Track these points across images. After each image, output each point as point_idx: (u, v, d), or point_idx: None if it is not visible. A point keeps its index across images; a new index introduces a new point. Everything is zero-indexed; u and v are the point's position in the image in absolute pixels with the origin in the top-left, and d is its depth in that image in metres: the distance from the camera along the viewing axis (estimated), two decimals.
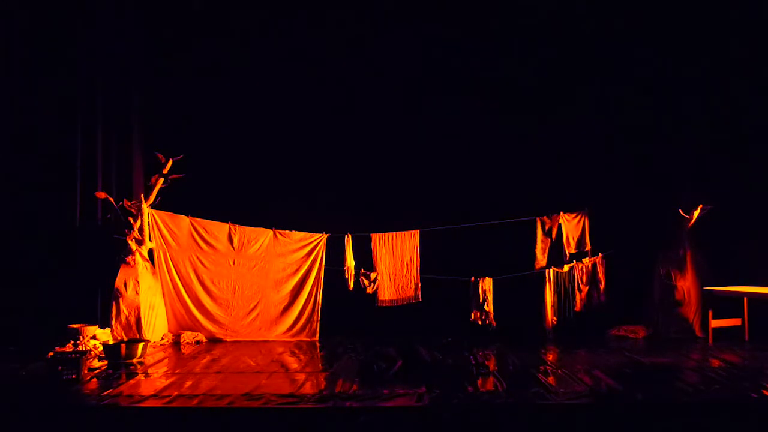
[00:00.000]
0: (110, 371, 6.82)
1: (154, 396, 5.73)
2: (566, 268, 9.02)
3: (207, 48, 9.42)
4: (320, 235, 9.07)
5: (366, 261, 9.09)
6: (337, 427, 5.24)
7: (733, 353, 7.46)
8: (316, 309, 8.96)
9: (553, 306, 8.95)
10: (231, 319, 8.90)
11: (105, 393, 5.84)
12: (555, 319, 8.93)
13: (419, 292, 9.05)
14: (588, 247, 9.12)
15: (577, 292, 9.01)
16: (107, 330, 8.40)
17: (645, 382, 6.17)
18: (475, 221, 9.02)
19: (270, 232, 9.06)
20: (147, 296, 8.55)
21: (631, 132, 9.16)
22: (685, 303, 8.76)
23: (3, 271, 8.62)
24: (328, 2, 9.37)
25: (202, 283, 8.94)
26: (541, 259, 9.10)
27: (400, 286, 9.10)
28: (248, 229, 9.05)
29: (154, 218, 8.87)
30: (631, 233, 8.73)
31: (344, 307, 8.87)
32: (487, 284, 8.95)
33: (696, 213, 8.76)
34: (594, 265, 9.06)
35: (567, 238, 9.11)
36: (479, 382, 6.16)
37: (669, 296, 8.81)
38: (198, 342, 8.61)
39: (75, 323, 8.22)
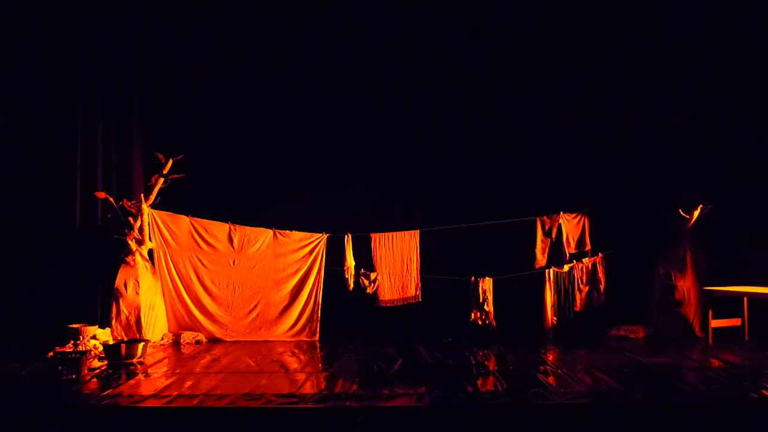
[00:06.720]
0: (110, 371, 6.82)
1: (154, 396, 5.73)
2: (566, 268, 9.02)
3: (207, 48, 9.41)
4: (320, 235, 9.06)
5: (366, 261, 9.08)
6: (337, 427, 5.24)
7: (733, 353, 7.46)
8: (316, 309, 8.96)
9: (553, 306, 8.95)
10: (231, 319, 8.90)
11: (105, 393, 5.84)
12: (555, 319, 8.93)
13: (419, 292, 9.04)
14: (588, 247, 9.11)
15: (577, 292, 9.00)
16: (107, 330, 8.40)
17: (645, 382, 6.18)
18: (475, 221, 9.01)
19: (270, 232, 9.06)
20: (147, 296, 8.55)
21: (631, 131, 9.16)
22: (685, 303, 8.76)
23: (3, 271, 8.63)
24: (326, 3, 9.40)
25: (202, 283, 8.94)
26: (541, 259, 9.09)
27: (400, 286, 9.09)
28: (248, 229, 9.05)
29: (154, 218, 8.86)
30: (631, 233, 8.73)
31: (344, 307, 8.87)
32: (487, 284, 8.94)
33: (696, 213, 8.76)
34: (594, 265, 9.05)
35: (567, 238, 9.11)
36: (479, 382, 6.16)
37: (669, 296, 8.81)
38: (198, 342, 8.60)
39: (75, 323, 8.23)
